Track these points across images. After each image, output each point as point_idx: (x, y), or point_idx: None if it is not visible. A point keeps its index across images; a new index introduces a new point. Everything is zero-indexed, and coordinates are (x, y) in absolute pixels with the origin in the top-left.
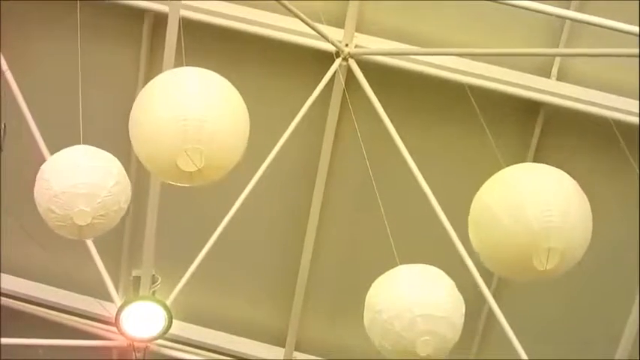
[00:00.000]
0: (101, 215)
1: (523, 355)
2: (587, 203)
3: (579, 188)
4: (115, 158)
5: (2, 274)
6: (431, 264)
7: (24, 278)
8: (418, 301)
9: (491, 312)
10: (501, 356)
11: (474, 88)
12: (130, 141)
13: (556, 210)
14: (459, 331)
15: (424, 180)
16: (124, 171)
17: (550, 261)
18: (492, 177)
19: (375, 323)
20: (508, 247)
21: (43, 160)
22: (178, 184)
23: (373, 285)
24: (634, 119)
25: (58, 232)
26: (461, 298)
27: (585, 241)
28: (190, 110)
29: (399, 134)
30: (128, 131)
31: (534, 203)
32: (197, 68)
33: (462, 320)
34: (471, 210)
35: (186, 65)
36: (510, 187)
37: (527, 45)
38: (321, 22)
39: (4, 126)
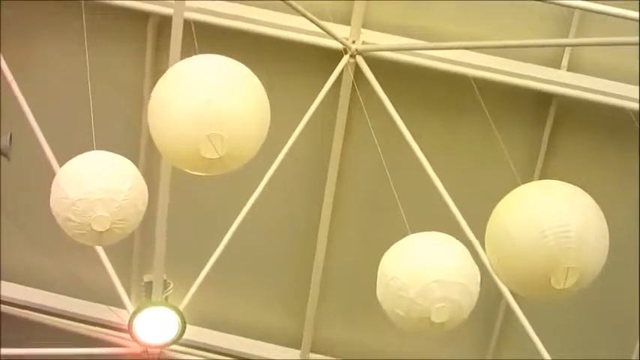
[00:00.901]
0: (120, 220)
1: (543, 350)
2: (604, 219)
3: (596, 205)
4: (129, 161)
5: (9, 282)
6: None
7: (34, 287)
8: (433, 267)
9: (508, 308)
10: (519, 356)
11: (483, 82)
12: (137, 144)
13: (574, 229)
14: (475, 300)
15: (436, 175)
16: (139, 173)
17: (569, 280)
18: (509, 195)
19: (388, 290)
20: (525, 266)
21: (49, 165)
22: (196, 173)
23: (386, 254)
24: None
25: (77, 240)
26: (475, 265)
27: (602, 258)
28: (214, 96)
29: (409, 130)
30: (135, 134)
31: (552, 222)
32: (218, 55)
33: (478, 288)
34: (487, 228)
35: None
36: (527, 207)
37: (536, 36)
38: (327, 20)
39: (11, 135)
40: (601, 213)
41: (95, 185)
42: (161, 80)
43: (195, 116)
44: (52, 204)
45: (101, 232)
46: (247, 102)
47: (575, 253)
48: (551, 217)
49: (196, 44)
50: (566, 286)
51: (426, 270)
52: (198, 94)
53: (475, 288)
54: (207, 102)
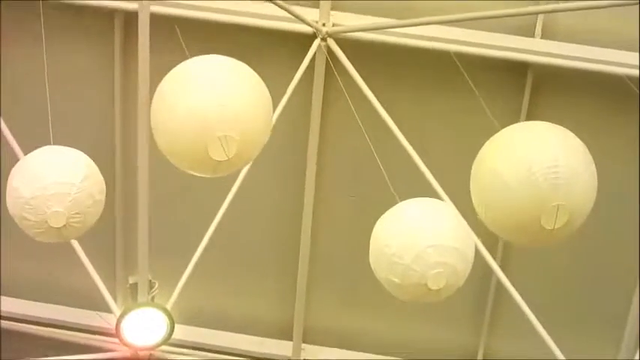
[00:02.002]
0: (76, 213)
1: (537, 323)
2: (591, 158)
3: (582, 143)
4: (82, 152)
5: None
6: None
7: (15, 297)
8: (428, 232)
9: (499, 285)
10: (514, 333)
11: (457, 55)
12: (112, 144)
13: (563, 166)
14: (470, 265)
15: (418, 154)
16: (93, 163)
17: (559, 219)
18: (493, 137)
19: (382, 257)
20: (515, 208)
21: None
22: (201, 175)
23: (378, 221)
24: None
25: (39, 240)
26: (470, 230)
27: (592, 198)
28: (223, 97)
29: (388, 109)
30: (110, 134)
31: (540, 160)
32: (220, 55)
33: (473, 253)
34: (472, 173)
35: (160, 61)
36: (513, 147)
37: (509, 5)
38: (295, 4)
39: None
40: (588, 153)
41: (46, 181)
42: (166, 81)
43: (205, 118)
44: (8, 205)
45: (59, 228)
46: (255, 102)
47: (565, 190)
48: (538, 154)
49: (182, 41)
50: (556, 225)
51: (420, 235)
52: (208, 96)
53: (470, 252)
54: (217, 103)
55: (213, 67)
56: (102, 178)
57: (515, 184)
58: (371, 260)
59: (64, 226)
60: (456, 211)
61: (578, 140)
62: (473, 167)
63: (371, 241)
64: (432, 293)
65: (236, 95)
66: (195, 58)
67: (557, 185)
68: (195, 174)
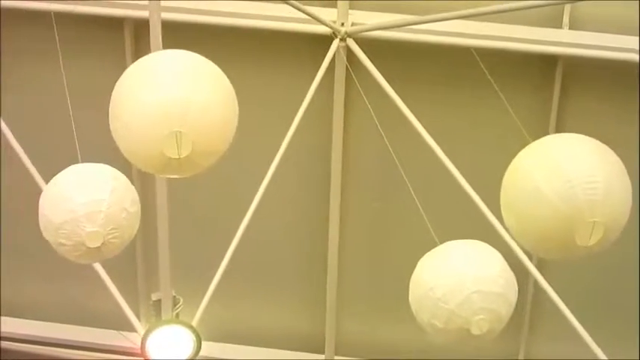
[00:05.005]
0: (112, 229)
1: (577, 324)
2: (627, 175)
3: (619, 160)
4: (106, 165)
5: (10, 317)
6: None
7: (38, 319)
8: (473, 277)
9: (536, 290)
10: (555, 333)
11: (483, 51)
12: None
13: (601, 182)
14: (512, 308)
15: (443, 153)
16: (120, 174)
17: (594, 236)
18: (528, 147)
19: (426, 301)
20: (548, 221)
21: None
22: (167, 176)
23: (420, 262)
24: None
25: (80, 262)
26: (512, 273)
27: (626, 215)
28: (177, 93)
29: (412, 109)
30: None
31: (579, 173)
32: (177, 50)
33: (516, 297)
34: (504, 183)
35: None
36: (551, 157)
37: None
38: (311, 4)
39: None
40: (624, 168)
41: (74, 202)
42: (122, 79)
43: (157, 114)
44: (43, 234)
45: (98, 247)
46: (214, 96)
47: (601, 206)
48: (578, 167)
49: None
50: (590, 243)
51: (467, 280)
52: (162, 91)
53: (514, 296)
54: (178, 98)
55: (177, 62)
56: (132, 188)
57: (551, 195)
58: (412, 302)
59: (103, 244)
60: (499, 255)
61: (614, 154)
62: (505, 176)
63: (412, 283)
64: (474, 337)
65: (198, 91)
66: (159, 52)
67: (594, 201)
68: (147, 170)
